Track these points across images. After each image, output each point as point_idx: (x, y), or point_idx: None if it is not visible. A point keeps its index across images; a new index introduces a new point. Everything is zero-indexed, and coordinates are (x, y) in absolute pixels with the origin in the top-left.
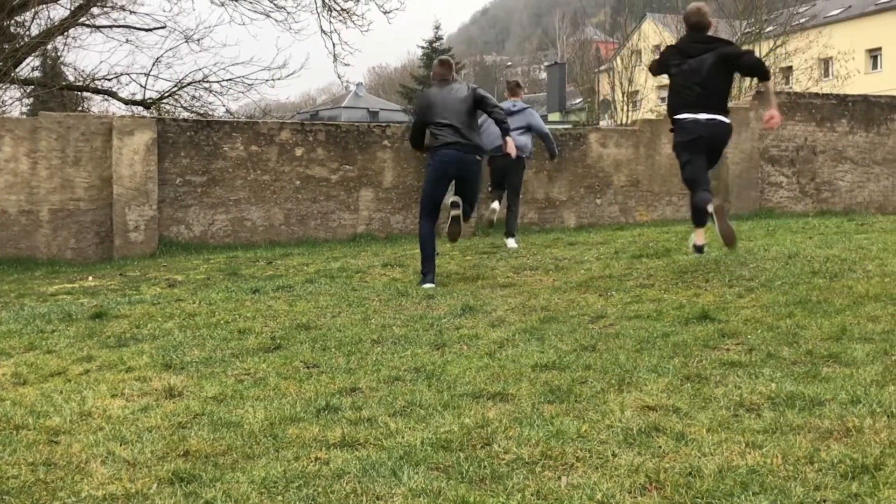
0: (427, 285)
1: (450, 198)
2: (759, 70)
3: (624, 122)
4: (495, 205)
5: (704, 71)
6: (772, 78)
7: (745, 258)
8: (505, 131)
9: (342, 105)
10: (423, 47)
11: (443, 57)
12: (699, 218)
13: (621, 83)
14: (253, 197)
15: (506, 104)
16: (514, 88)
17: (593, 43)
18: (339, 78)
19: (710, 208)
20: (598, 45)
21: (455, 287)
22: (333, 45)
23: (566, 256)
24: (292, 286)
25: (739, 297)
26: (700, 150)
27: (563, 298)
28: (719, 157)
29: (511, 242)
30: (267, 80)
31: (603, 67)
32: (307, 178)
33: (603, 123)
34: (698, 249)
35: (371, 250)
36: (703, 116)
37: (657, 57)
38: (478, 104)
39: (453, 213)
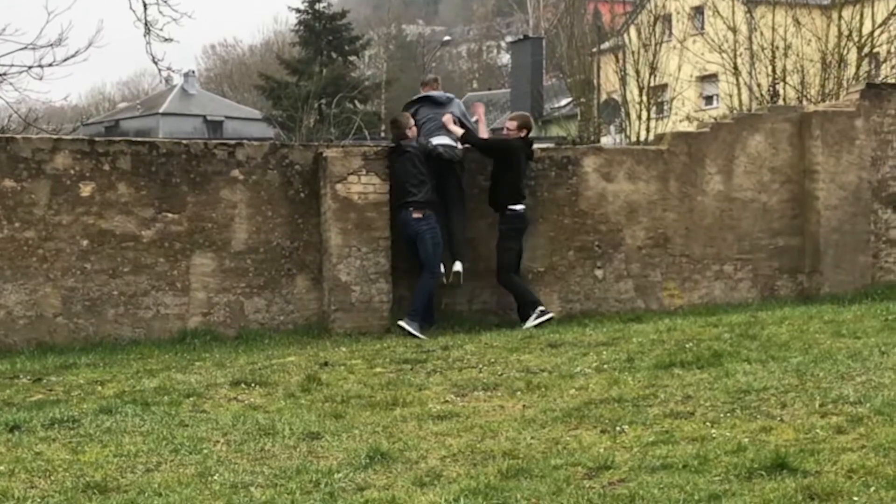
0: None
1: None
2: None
3: (643, 137)
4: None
5: (524, 166)
6: None
7: (848, 367)
8: None
9: (160, 110)
10: (298, 11)
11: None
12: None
13: (638, 71)
14: (7, 267)
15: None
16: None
17: (590, 4)
18: (156, 63)
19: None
20: (597, 7)
21: (356, 419)
22: (144, 4)
23: (545, 366)
24: (78, 419)
25: (839, 433)
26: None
27: (539, 437)
28: None
29: (457, 266)
30: (31, 67)
31: (607, 45)
32: (101, 235)
33: (606, 140)
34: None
35: (212, 358)
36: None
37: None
38: None
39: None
